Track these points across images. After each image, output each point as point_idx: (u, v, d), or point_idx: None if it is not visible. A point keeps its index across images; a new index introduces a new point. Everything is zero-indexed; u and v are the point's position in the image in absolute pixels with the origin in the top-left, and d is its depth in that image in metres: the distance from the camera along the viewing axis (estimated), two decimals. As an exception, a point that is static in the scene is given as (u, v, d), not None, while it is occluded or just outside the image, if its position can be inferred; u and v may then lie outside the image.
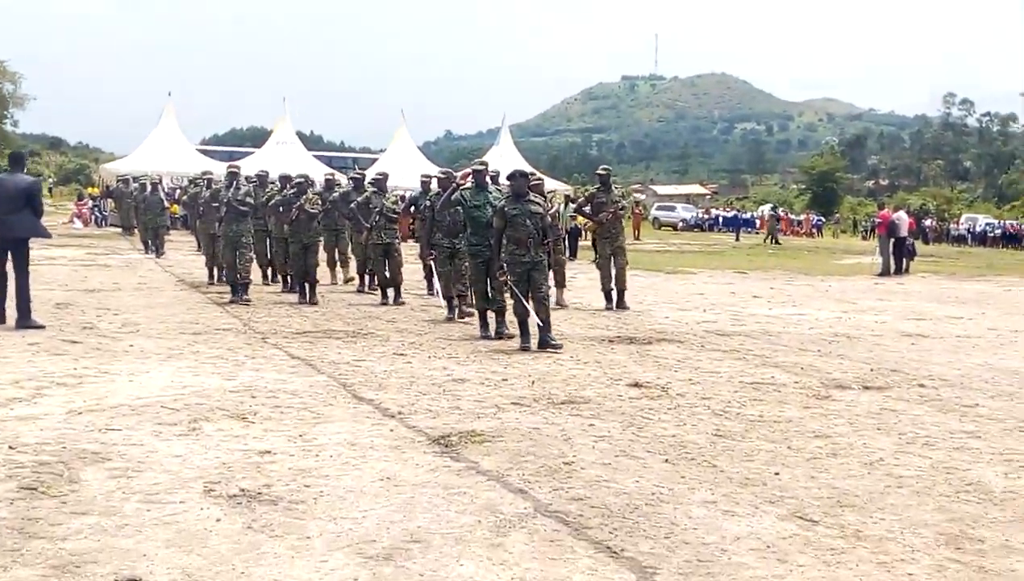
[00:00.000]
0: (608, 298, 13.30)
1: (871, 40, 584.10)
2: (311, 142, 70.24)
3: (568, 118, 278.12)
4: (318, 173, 25.32)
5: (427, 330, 10.88)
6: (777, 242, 41.27)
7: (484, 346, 9.77)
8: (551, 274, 11.24)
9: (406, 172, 31.25)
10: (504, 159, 39.27)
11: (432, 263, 12.62)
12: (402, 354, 9.11)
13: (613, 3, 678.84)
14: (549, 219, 10.34)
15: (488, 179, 10.90)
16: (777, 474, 5.16)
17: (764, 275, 21.83)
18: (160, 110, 41.85)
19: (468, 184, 10.81)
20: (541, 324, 9.52)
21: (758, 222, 58.51)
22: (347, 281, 16.17)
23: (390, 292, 13.52)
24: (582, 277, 16.86)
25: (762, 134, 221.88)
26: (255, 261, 14.58)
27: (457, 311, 11.83)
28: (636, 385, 7.66)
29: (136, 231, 25.91)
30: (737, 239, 44.51)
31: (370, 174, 16.90)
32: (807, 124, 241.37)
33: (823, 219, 65.40)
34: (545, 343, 9.46)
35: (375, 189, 14.15)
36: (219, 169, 19.24)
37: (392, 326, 11.19)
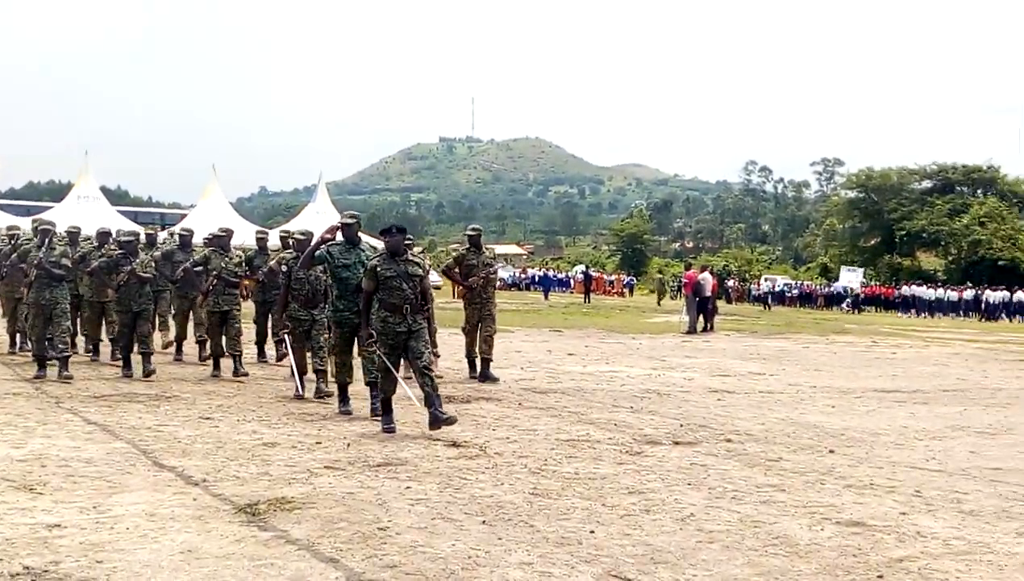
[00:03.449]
0: (472, 366, 12.25)
1: (675, 108, 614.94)
2: (116, 197, 67.42)
3: (387, 177, 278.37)
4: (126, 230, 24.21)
5: (236, 392, 10.45)
6: (588, 301, 42.39)
7: (297, 408, 9.47)
8: None
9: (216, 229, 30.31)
10: (321, 216, 38.87)
11: (286, 337, 10.74)
12: (209, 418, 8.70)
13: (431, 65, 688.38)
14: (429, 282, 8.86)
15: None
16: (593, 532, 5.15)
17: (579, 333, 22.27)
18: (-52, 163, 39.25)
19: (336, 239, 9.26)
20: (424, 398, 8.06)
21: (572, 283, 59.97)
22: (165, 347, 14.02)
23: (224, 362, 11.98)
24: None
25: (575, 197, 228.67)
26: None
27: (315, 390, 10.13)
28: (454, 445, 7.56)
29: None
30: (546, 298, 45.40)
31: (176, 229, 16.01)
32: (617, 188, 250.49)
33: (635, 279, 67.61)
34: (437, 420, 7.89)
35: (215, 248, 12.57)
36: (22, 225, 18.02)
37: (200, 388, 10.70)
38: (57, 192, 61.01)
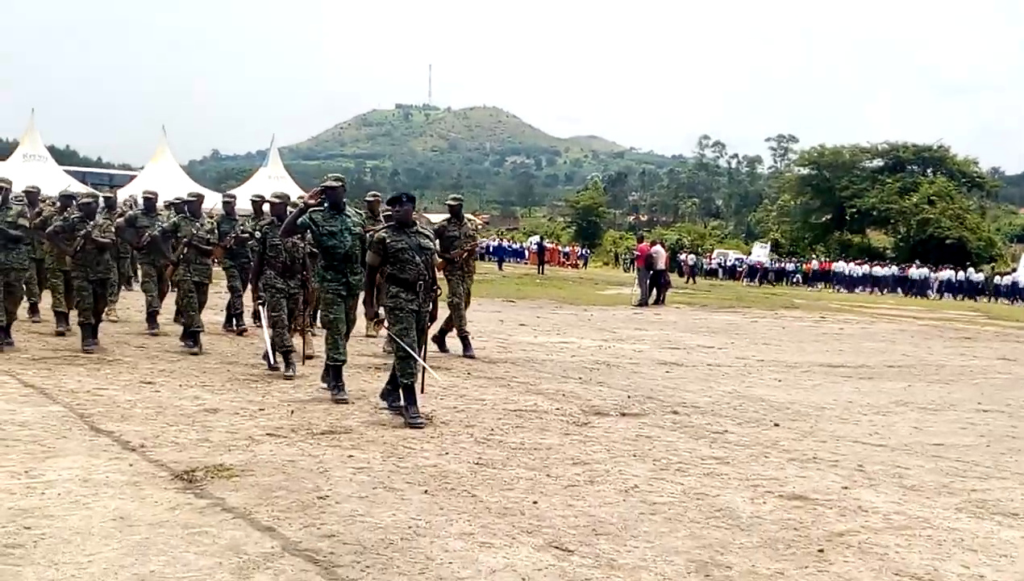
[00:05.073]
0: (465, 343, 11.46)
1: (633, 81, 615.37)
2: (64, 157, 65.88)
3: (342, 143, 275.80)
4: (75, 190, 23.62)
5: (180, 357, 10.26)
6: (543, 272, 42.37)
7: (242, 374, 9.31)
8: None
9: (169, 192, 29.82)
10: (273, 181, 38.35)
11: (260, 308, 9.93)
12: (150, 382, 8.52)
13: (388, 31, 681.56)
14: (437, 258, 7.97)
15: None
16: (535, 503, 5.11)
17: (531, 304, 22.23)
18: None
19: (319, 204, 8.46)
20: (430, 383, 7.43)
21: (526, 253, 60.00)
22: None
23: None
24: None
25: (531, 168, 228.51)
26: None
27: (292, 367, 9.41)
28: (399, 412, 7.46)
29: None
30: (500, 268, 45.32)
31: (124, 194, 15.29)
32: (573, 160, 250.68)
33: (590, 251, 67.73)
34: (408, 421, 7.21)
35: (185, 214, 11.62)
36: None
37: (142, 352, 10.49)
38: (1, 150, 59.60)
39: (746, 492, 5.58)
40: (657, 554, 4.34)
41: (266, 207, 11.09)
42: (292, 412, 7.46)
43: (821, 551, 4.48)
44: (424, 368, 7.55)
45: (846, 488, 5.79)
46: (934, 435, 7.83)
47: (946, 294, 43.19)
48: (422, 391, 7.64)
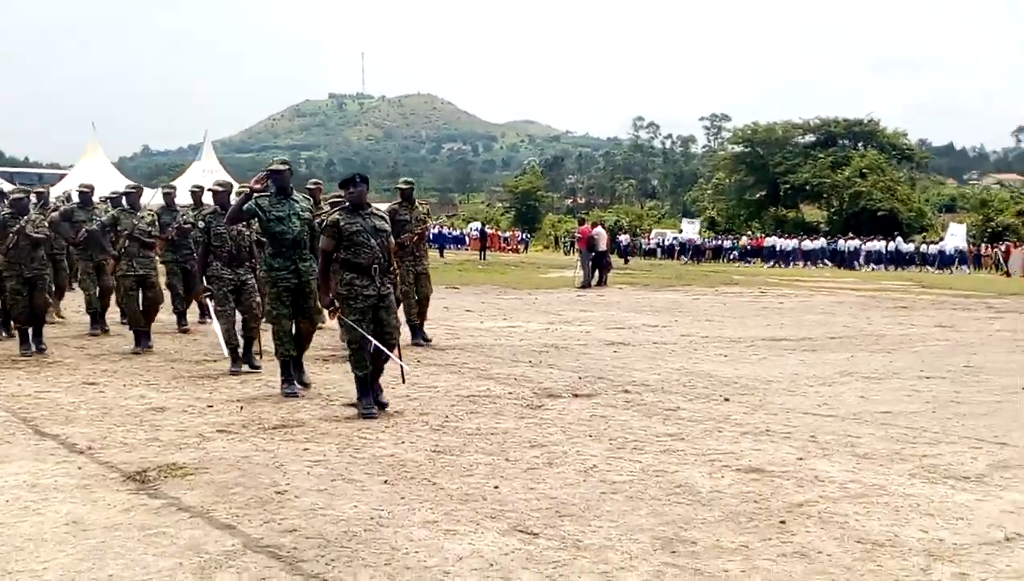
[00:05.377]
0: (413, 330, 11.43)
1: (567, 65, 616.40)
2: (-12, 158, 64.26)
3: (275, 135, 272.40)
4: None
5: (123, 356, 10.05)
6: (485, 258, 42.36)
7: (187, 371, 9.15)
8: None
9: (102, 189, 29.23)
10: (208, 175, 37.71)
11: (208, 302, 9.57)
12: (93, 383, 8.34)
13: (319, 20, 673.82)
14: (393, 240, 7.88)
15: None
16: (497, 487, 5.09)
17: (475, 290, 22.19)
18: None
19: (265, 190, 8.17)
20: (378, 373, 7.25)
21: (467, 240, 60.01)
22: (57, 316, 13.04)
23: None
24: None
25: (468, 154, 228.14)
26: None
27: (244, 357, 9.23)
28: (353, 405, 7.39)
29: None
30: (441, 255, 45.22)
31: (57, 191, 14.88)
32: (510, 145, 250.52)
33: (530, 235, 67.85)
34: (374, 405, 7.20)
35: (123, 207, 11.37)
36: None
37: (83, 353, 10.26)
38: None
39: (704, 467, 5.62)
40: (622, 533, 4.35)
41: (207, 196, 10.76)
42: (242, 408, 7.34)
43: (783, 522, 4.52)
44: (395, 354, 7.34)
45: (801, 459, 5.85)
46: (881, 403, 7.96)
47: (873, 265, 43.99)
48: (403, 381, 7.57)
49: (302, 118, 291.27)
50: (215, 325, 9.46)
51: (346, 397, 7.66)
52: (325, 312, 7.85)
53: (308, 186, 12.22)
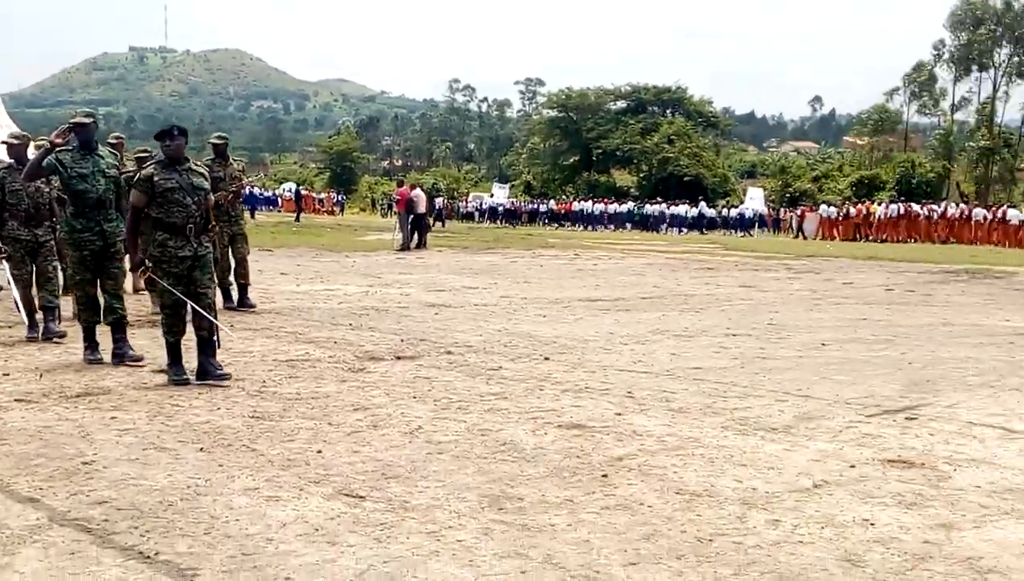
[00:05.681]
0: (227, 295, 10.82)
1: (381, 23, 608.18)
2: None
3: (70, 89, 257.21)
4: None
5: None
6: (298, 220, 41.47)
7: (-22, 338, 8.51)
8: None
9: None
10: (-4, 129, 35.19)
11: (5, 263, 8.82)
12: None
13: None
14: (212, 198, 7.37)
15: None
16: (320, 452, 4.98)
17: (290, 252, 21.68)
18: None
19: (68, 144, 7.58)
20: (198, 343, 6.86)
21: (280, 201, 58.58)
22: None
23: None
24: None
25: (279, 112, 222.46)
26: None
27: (43, 329, 8.62)
28: (162, 371, 7.05)
29: None
30: (252, 217, 43.99)
31: None
32: (323, 104, 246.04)
33: (346, 197, 66.88)
34: (207, 373, 6.79)
35: None
36: None
37: None
38: None
39: (527, 425, 5.68)
40: (449, 492, 4.33)
41: (1, 150, 9.87)
42: (41, 376, 6.90)
43: (605, 476, 4.62)
44: (214, 319, 6.95)
45: (619, 414, 6.00)
46: (692, 360, 8.27)
47: (674, 229, 45.66)
48: (218, 346, 7.03)
49: (100, 72, 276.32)
50: (12, 289, 8.85)
51: (154, 365, 7.31)
52: (131, 277, 7.41)
53: (110, 141, 11.40)
